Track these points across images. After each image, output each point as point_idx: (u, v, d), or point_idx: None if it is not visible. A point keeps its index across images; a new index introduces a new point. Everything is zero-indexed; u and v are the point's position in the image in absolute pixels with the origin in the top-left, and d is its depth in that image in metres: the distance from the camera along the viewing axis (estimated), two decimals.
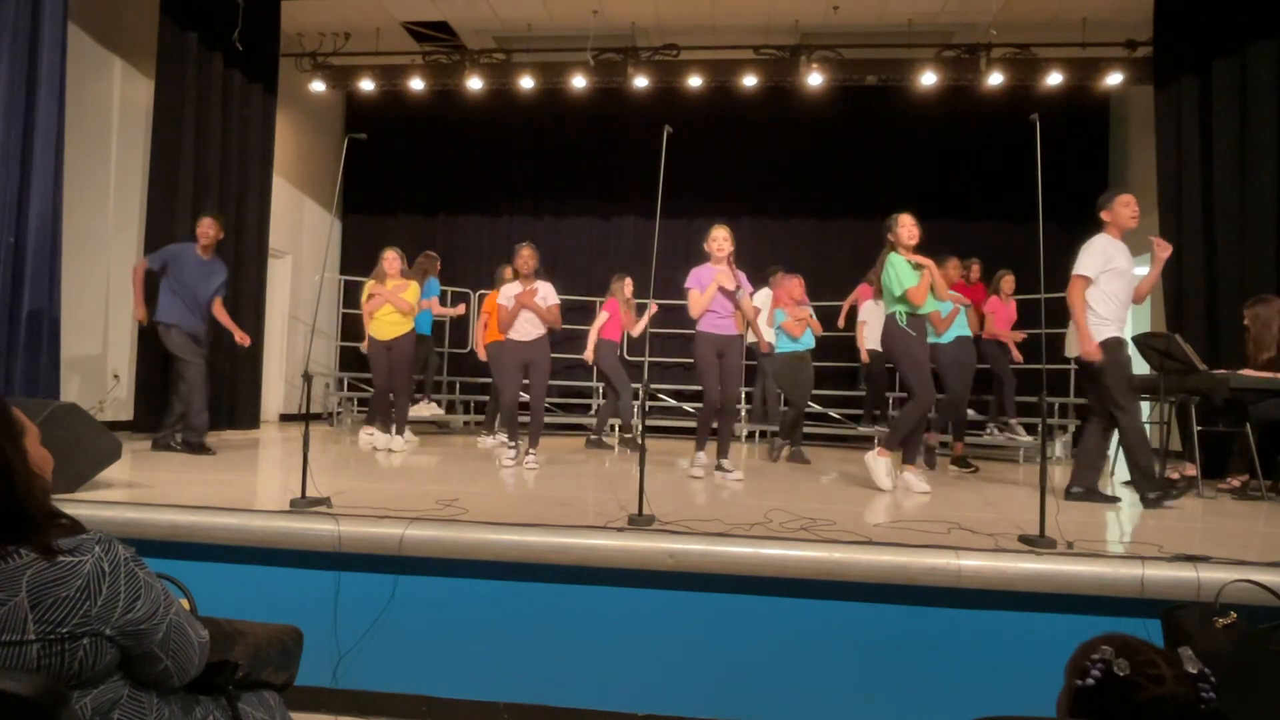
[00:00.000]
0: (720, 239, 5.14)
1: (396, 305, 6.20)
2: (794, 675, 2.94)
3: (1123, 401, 4.33)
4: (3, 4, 4.99)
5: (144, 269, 5.74)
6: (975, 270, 7.53)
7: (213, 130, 7.18)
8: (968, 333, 6.26)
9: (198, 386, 5.58)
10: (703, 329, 5.14)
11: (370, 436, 6.54)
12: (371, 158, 8.83)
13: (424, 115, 9.84)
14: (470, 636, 3.06)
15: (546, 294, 5.53)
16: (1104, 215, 4.44)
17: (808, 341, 6.55)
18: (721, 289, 5.07)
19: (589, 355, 7.21)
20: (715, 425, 5.31)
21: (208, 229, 5.74)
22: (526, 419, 5.58)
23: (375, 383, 6.44)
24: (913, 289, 4.71)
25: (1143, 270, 4.61)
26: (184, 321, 5.64)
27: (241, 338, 5.91)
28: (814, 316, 6.66)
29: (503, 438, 7.11)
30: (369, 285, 6.39)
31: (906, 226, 4.83)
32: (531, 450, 5.46)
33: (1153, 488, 4.36)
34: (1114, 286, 4.33)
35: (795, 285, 6.65)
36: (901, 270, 4.75)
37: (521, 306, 5.42)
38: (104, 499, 3.49)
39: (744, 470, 5.52)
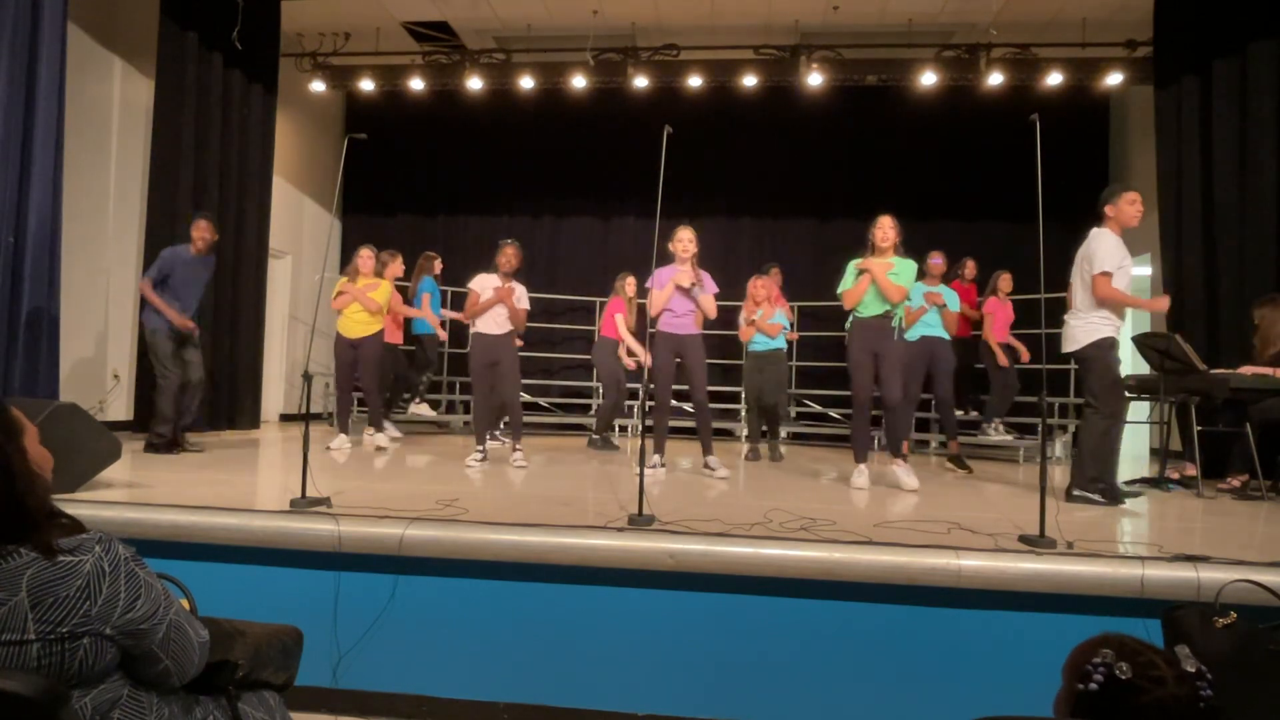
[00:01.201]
0: (685, 240, 5.22)
1: (364, 304, 6.19)
2: (794, 675, 2.94)
3: (1101, 403, 4.30)
4: (2, 4, 4.99)
5: (152, 283, 5.58)
6: (970, 269, 7.51)
7: (213, 130, 7.18)
8: (937, 331, 6.20)
9: (167, 395, 5.57)
10: (660, 328, 5.21)
11: (371, 438, 6.54)
12: (371, 158, 8.82)
13: (424, 115, 9.83)
14: (470, 636, 3.06)
15: (520, 295, 5.55)
16: (1107, 210, 4.38)
17: (763, 342, 6.54)
18: (679, 288, 5.13)
19: (644, 357, 6.99)
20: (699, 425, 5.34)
21: (204, 232, 5.69)
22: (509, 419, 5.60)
23: (337, 380, 6.41)
24: (845, 291, 4.90)
25: (1141, 270, 4.60)
26: (168, 324, 5.58)
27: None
28: (776, 319, 6.55)
29: (507, 439, 7.11)
30: (340, 283, 6.37)
31: (882, 228, 4.88)
32: (518, 448, 5.47)
33: (1083, 486, 4.36)
34: (1121, 284, 4.31)
35: (759, 287, 6.62)
36: (846, 274, 4.93)
37: (499, 300, 5.44)
38: (104, 499, 3.49)
39: (738, 470, 5.53)
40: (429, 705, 3.02)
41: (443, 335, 8.05)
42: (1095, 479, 4.37)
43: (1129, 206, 4.34)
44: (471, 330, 5.55)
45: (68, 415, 3.71)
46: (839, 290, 4.96)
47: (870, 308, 4.84)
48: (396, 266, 6.81)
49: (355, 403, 9.16)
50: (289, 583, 3.14)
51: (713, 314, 5.30)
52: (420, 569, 3.09)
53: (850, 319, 4.97)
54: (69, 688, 1.27)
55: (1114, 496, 4.36)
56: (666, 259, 5.27)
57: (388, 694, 3.04)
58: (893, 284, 4.74)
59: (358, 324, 6.22)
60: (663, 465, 5.40)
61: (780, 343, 6.59)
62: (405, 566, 3.08)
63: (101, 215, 6.70)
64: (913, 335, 6.07)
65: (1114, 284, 4.25)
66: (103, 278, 6.71)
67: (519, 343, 5.84)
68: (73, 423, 3.71)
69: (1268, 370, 5.13)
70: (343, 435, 6.22)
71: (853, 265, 4.94)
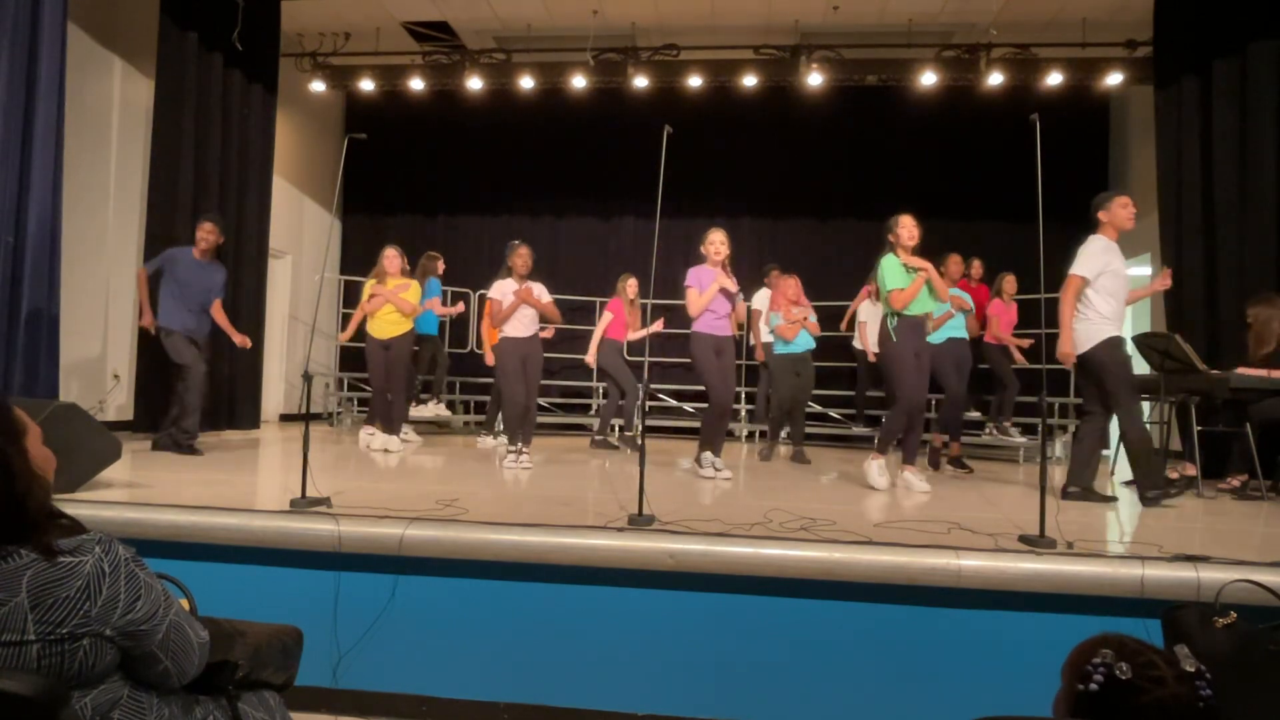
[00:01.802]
0: (717, 242, 5.18)
1: (398, 305, 6.19)
2: (793, 675, 2.94)
3: (1124, 400, 4.33)
4: (2, 4, 4.99)
5: (145, 275, 5.74)
6: (977, 269, 7.54)
7: (213, 130, 7.18)
8: (962, 334, 6.23)
9: (195, 389, 5.59)
10: (699, 329, 5.16)
11: (370, 436, 6.54)
12: (371, 158, 8.82)
13: (424, 115, 9.83)
14: (470, 636, 3.06)
15: (540, 293, 5.63)
16: (1101, 216, 4.47)
17: (804, 343, 6.53)
18: (723, 290, 5.12)
19: (591, 358, 7.23)
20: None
21: (207, 233, 5.71)
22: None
23: (373, 382, 6.44)
24: (896, 291, 4.76)
25: (1141, 271, 4.63)
26: (183, 325, 5.64)
27: (241, 340, 5.90)
28: (811, 318, 6.59)
29: (504, 439, 7.12)
30: (369, 285, 6.37)
31: (906, 228, 4.84)
32: (525, 450, 5.48)
33: (1152, 485, 4.36)
34: (1113, 286, 4.35)
35: (790, 285, 6.61)
36: (889, 272, 4.80)
37: (523, 302, 5.46)
38: (104, 499, 3.49)
39: (739, 470, 5.52)
40: (429, 705, 3.02)
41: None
42: (1150, 472, 4.35)
43: (1122, 210, 4.42)
44: (501, 335, 5.58)
45: (67, 415, 3.71)
46: (888, 289, 4.78)
47: (916, 306, 4.81)
48: None
49: (357, 403, 9.19)
50: (289, 583, 3.14)
51: (743, 317, 5.32)
52: (420, 569, 3.09)
53: (893, 319, 4.81)
54: (69, 688, 1.27)
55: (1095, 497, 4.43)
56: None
57: (388, 694, 3.04)
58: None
59: (390, 324, 6.23)
60: (718, 469, 5.17)
61: (809, 343, 6.60)
62: (405, 566, 3.08)
63: (101, 215, 6.70)
64: (939, 338, 6.02)
65: (1105, 286, 4.32)
66: (103, 277, 6.71)
67: (551, 332, 5.91)
68: (72, 423, 3.71)
69: (1262, 372, 5.13)
70: (382, 435, 6.25)
71: (895, 263, 4.80)
